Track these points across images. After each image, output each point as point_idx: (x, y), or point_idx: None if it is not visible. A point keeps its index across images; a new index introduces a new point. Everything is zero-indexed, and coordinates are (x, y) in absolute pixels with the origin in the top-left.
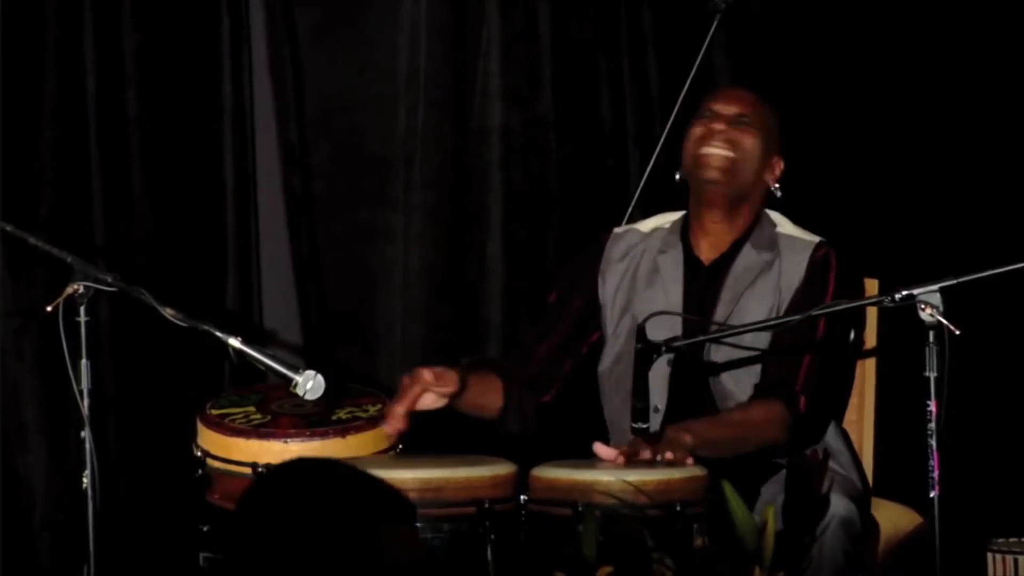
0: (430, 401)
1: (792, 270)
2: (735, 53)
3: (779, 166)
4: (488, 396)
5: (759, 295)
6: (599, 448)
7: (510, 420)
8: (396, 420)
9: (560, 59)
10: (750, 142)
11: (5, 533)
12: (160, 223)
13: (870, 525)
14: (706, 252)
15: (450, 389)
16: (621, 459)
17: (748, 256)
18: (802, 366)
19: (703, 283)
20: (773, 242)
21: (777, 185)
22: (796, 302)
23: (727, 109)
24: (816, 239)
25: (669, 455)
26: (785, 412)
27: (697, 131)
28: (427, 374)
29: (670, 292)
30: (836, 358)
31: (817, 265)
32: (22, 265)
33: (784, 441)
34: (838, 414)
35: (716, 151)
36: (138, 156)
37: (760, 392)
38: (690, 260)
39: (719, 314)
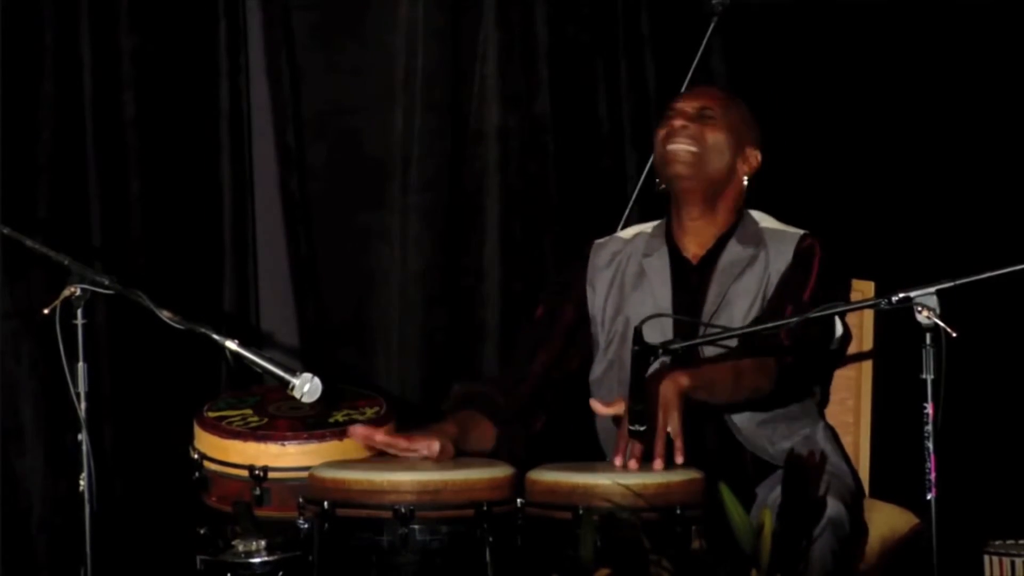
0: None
1: (778, 258)
2: (732, 55)
3: (755, 157)
4: (480, 443)
5: (745, 288)
6: (596, 404)
7: (500, 458)
8: (370, 441)
9: (557, 61)
10: (713, 136)
11: (3, 535)
12: (157, 226)
13: (859, 527)
14: (692, 249)
15: (438, 458)
16: (617, 408)
17: (734, 251)
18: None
19: (692, 280)
20: (759, 238)
21: (746, 178)
22: (780, 286)
23: (689, 105)
24: (801, 231)
25: (659, 464)
26: (773, 363)
27: (662, 132)
28: (422, 446)
29: (658, 294)
30: (819, 322)
31: (803, 253)
32: (19, 267)
33: (771, 391)
34: (822, 387)
35: (680, 147)
36: (135, 158)
37: (747, 347)
38: (676, 260)
39: (707, 310)
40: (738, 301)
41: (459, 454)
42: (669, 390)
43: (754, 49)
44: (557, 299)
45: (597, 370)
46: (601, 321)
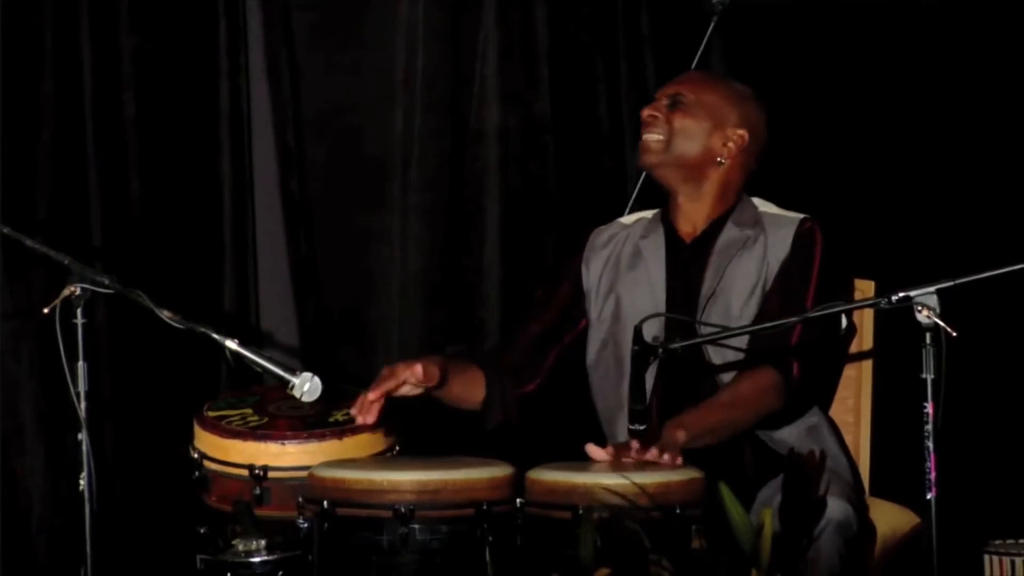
0: (406, 390)
1: (778, 244)
2: (732, 55)
3: (739, 136)
4: (470, 388)
5: (744, 268)
6: (591, 449)
7: (492, 411)
8: (367, 413)
9: (557, 61)
10: (681, 121)
11: (3, 535)
12: (157, 225)
13: (866, 528)
14: (685, 229)
15: (430, 384)
16: (612, 456)
17: (731, 232)
18: (793, 330)
19: (687, 259)
20: (756, 220)
21: (720, 159)
22: (783, 275)
23: (663, 94)
24: (800, 215)
25: (654, 454)
26: (778, 378)
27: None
28: (406, 373)
29: (652, 272)
30: (826, 326)
31: (803, 238)
32: (19, 267)
33: (780, 408)
34: (829, 389)
35: (647, 136)
36: (135, 158)
37: (751, 360)
38: (672, 240)
39: (705, 288)
40: (736, 286)
41: (445, 383)
42: (668, 448)
43: (754, 49)
44: (554, 278)
45: (592, 352)
46: (595, 297)
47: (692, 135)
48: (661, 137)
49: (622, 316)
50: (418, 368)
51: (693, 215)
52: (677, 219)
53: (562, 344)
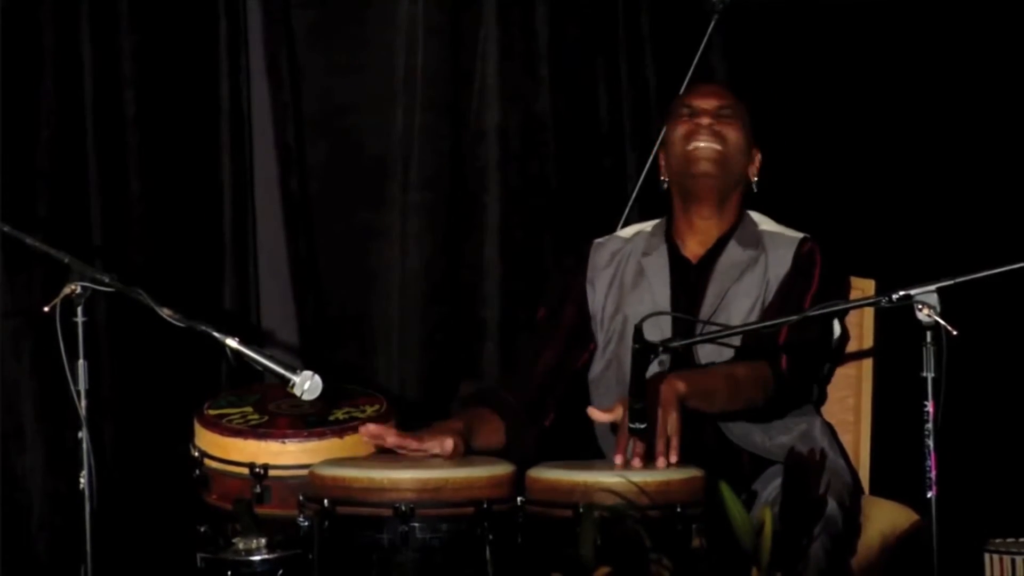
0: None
1: (778, 264)
2: (732, 54)
3: (758, 157)
4: (490, 438)
5: (745, 290)
6: (593, 411)
7: (513, 455)
8: (376, 443)
9: (558, 60)
10: (735, 134)
11: (3, 534)
12: (157, 224)
13: (853, 525)
14: (693, 249)
15: (453, 457)
16: (615, 415)
17: (734, 252)
18: (781, 332)
19: (690, 280)
20: (758, 239)
21: (756, 178)
22: (782, 292)
23: (707, 103)
24: (800, 235)
25: (662, 463)
26: (768, 371)
27: (681, 129)
28: (435, 447)
29: (657, 292)
30: (818, 326)
31: (803, 258)
32: (20, 265)
33: (769, 400)
34: (820, 392)
35: (706, 144)
36: (136, 157)
37: (743, 353)
38: (676, 259)
39: (705, 310)
40: (737, 303)
41: (469, 452)
42: (667, 393)
43: (754, 49)
44: (558, 300)
45: (596, 369)
46: (600, 320)
47: (740, 150)
48: (720, 148)
49: (626, 337)
50: (448, 445)
51: (705, 234)
52: (685, 237)
53: (574, 370)
